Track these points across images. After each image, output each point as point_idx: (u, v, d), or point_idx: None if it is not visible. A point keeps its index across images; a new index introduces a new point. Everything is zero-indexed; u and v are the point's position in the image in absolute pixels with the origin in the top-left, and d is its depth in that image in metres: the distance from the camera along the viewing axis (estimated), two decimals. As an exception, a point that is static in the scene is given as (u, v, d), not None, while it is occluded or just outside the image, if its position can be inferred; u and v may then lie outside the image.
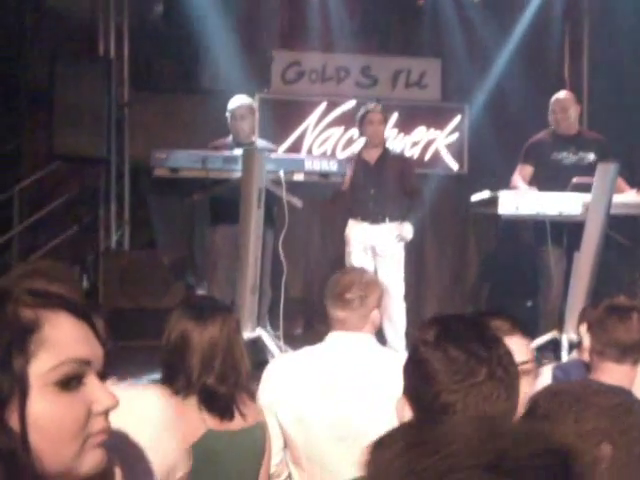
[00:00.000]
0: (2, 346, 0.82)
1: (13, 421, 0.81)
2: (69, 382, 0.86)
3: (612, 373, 2.21)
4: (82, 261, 5.22)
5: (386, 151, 5.06)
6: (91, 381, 0.87)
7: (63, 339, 0.86)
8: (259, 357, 4.58)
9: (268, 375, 2.35)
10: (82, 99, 4.88)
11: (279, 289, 4.47)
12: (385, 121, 5.06)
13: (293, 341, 4.93)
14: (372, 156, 5.00)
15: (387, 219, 4.92)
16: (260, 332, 4.25)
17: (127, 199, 5.53)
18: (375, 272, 4.76)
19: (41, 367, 0.84)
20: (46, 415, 0.83)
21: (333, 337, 2.34)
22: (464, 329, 1.25)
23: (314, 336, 5.81)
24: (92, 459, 0.87)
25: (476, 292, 6.41)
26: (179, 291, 4.83)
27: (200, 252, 5.19)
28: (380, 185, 4.89)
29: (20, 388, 0.82)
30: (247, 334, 4.18)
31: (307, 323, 5.90)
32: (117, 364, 1.47)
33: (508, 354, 1.23)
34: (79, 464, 0.86)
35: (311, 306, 6.02)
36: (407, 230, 4.96)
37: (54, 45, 5.29)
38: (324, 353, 2.33)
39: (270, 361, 2.53)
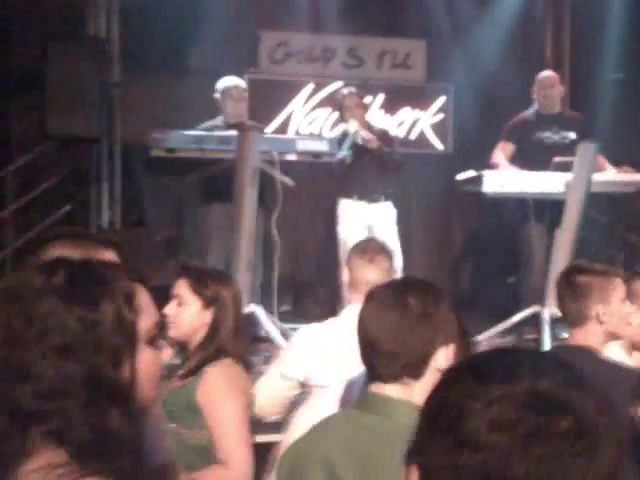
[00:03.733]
0: (116, 312, 1.00)
1: (124, 370, 1.01)
2: (154, 340, 1.07)
3: None
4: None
5: (372, 128, 5.13)
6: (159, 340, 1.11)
7: (148, 305, 1.07)
8: (252, 332, 4.71)
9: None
10: (73, 79, 4.93)
11: (270, 266, 4.59)
12: (364, 104, 5.09)
13: (283, 317, 5.06)
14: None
15: (383, 197, 5.03)
16: (254, 308, 4.38)
17: (118, 178, 5.60)
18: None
19: (140, 328, 1.04)
20: (145, 365, 1.04)
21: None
22: None
23: (303, 312, 5.97)
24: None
25: (460, 268, 6.57)
26: (171, 269, 4.92)
27: (192, 230, 5.28)
28: (373, 162, 4.94)
29: (132, 344, 1.02)
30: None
31: (296, 299, 6.03)
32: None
33: None
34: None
35: (299, 283, 6.15)
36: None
37: (44, 25, 5.32)
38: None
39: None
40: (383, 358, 1.49)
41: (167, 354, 1.21)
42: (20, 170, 5.39)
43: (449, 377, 0.78)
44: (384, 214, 5.03)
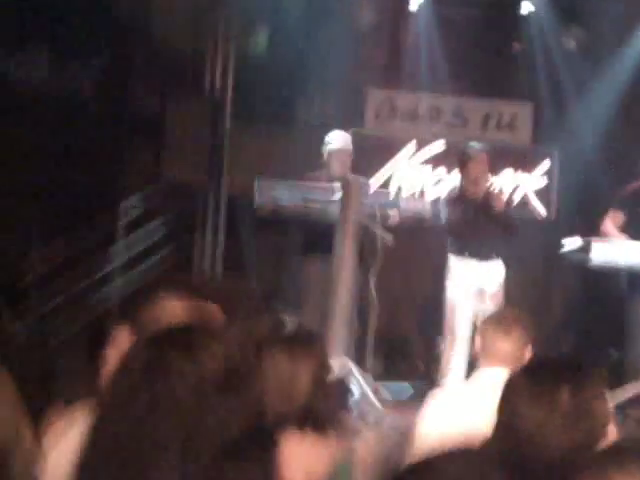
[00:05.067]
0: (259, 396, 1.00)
1: None
2: None
3: None
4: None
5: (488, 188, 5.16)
6: None
7: None
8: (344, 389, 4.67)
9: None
10: (188, 131, 5.17)
11: (365, 322, 4.57)
12: (489, 161, 5.12)
13: (375, 374, 4.99)
14: (478, 193, 5.05)
15: (494, 254, 4.98)
16: (347, 363, 4.35)
17: (222, 225, 5.75)
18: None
19: None
20: None
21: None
22: None
23: (396, 370, 5.86)
24: None
25: (559, 340, 6.34)
26: (268, 319, 4.96)
27: (292, 281, 5.34)
28: (488, 221, 4.94)
29: None
30: (335, 366, 4.27)
31: (390, 357, 5.94)
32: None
33: None
34: None
35: (394, 341, 6.08)
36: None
37: (162, 78, 5.60)
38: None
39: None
40: None
41: None
42: (130, 210, 5.64)
43: None
44: (495, 273, 4.97)
